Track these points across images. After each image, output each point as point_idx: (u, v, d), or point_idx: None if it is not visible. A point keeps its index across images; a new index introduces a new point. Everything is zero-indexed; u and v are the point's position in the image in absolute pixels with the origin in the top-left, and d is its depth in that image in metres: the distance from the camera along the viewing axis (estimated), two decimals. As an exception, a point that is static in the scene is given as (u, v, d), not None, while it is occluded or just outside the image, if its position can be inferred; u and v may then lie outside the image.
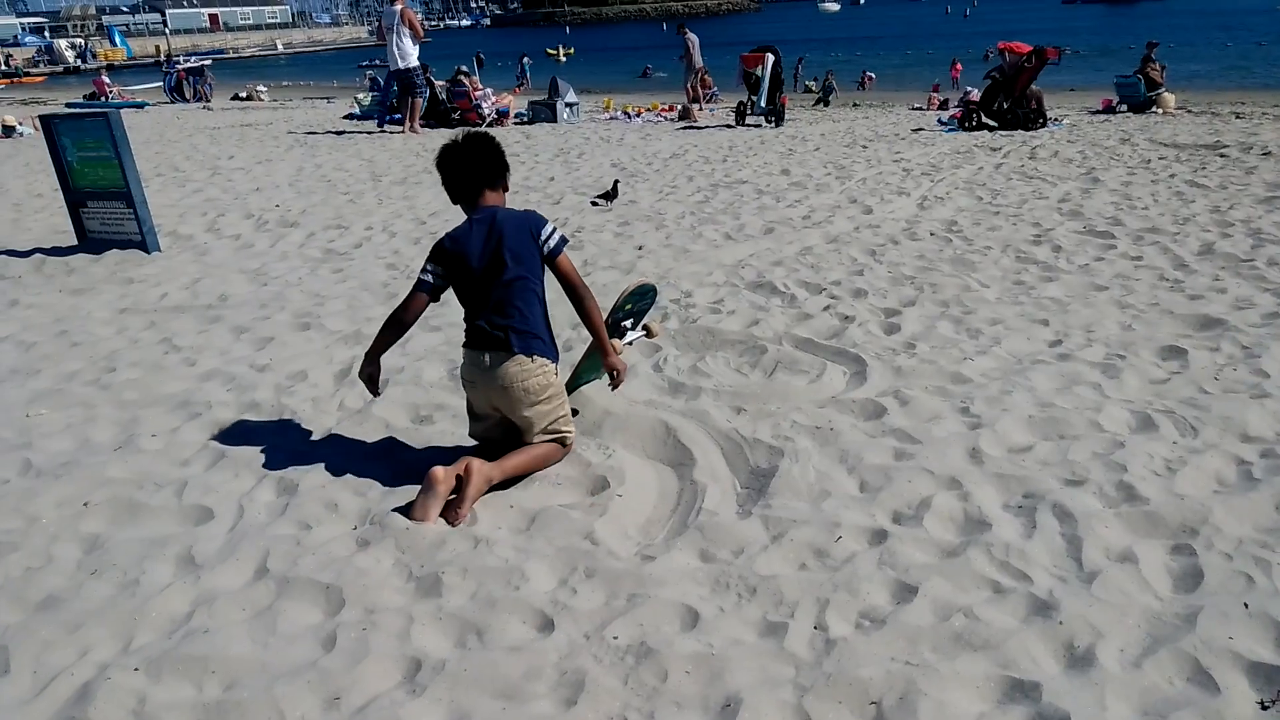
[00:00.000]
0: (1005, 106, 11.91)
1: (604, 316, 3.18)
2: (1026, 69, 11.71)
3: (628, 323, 3.31)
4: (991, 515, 2.69)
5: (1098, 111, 14.54)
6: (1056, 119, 12.66)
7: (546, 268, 3.05)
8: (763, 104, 13.61)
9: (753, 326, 4.40)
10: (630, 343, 3.34)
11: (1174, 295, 4.69)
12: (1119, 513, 2.67)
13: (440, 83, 14.68)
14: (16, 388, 3.94)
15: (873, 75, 26.73)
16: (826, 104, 20.30)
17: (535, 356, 2.96)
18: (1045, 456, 3.03)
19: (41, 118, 6.56)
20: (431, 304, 3.10)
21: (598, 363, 3.36)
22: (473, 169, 3.05)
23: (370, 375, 3.15)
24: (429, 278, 3.01)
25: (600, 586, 2.44)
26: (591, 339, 3.18)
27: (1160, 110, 13.90)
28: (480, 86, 14.65)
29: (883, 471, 2.96)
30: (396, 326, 3.10)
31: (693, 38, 17.48)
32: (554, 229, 3.05)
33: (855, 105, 19.61)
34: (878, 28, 71.00)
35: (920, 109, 17.81)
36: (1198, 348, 3.94)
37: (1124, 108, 14.42)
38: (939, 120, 13.42)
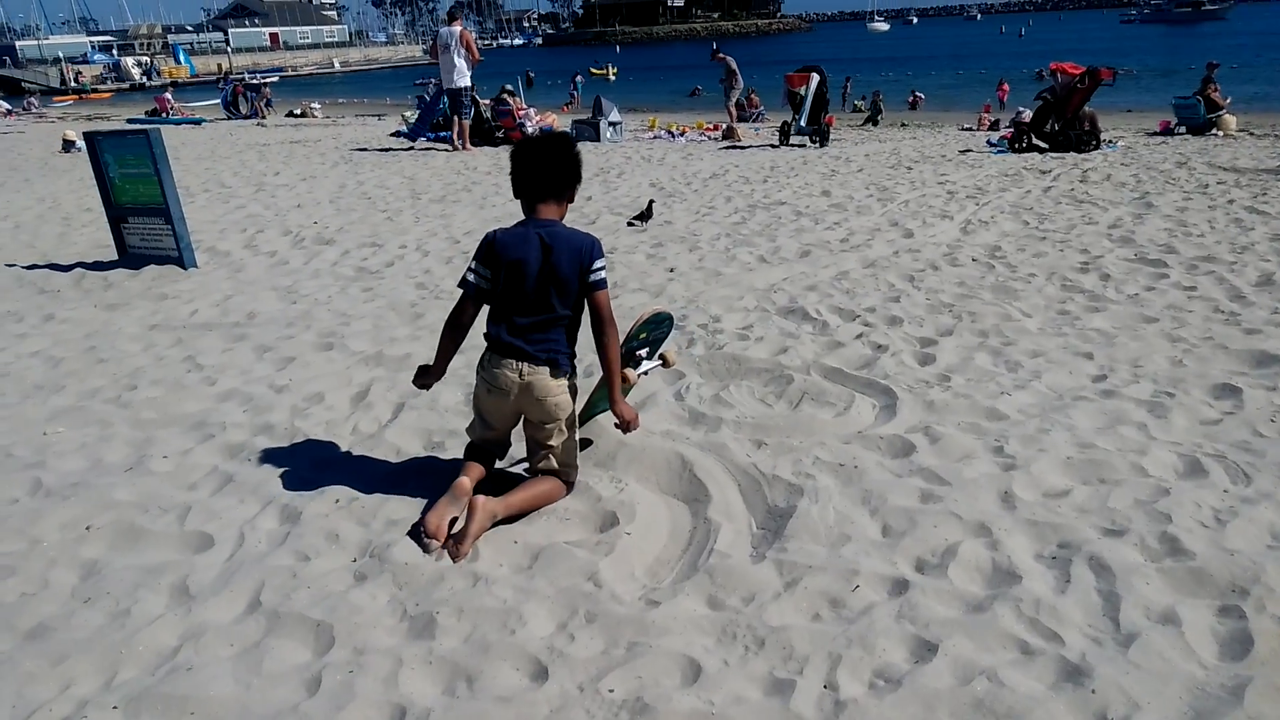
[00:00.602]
0: (1057, 128, 11.60)
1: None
2: (1079, 90, 11.40)
3: (643, 351, 3.20)
4: (1022, 566, 2.52)
5: (1155, 133, 14.13)
6: (1111, 141, 12.31)
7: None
8: (803, 123, 13.46)
9: (781, 354, 4.26)
10: (645, 372, 3.23)
11: (1229, 329, 4.44)
12: (1162, 568, 2.48)
13: (485, 101, 14.78)
14: (39, 405, 3.94)
15: (921, 95, 26.37)
16: (875, 124, 20.07)
17: (565, 378, 2.91)
18: (1083, 503, 2.85)
19: (86, 134, 6.66)
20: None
21: (613, 391, 3.25)
22: (552, 172, 2.90)
23: (427, 385, 3.06)
24: (475, 279, 2.86)
25: (600, 633, 2.32)
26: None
27: (1221, 133, 13.45)
28: (524, 106, 14.69)
29: (907, 515, 2.80)
30: (455, 333, 2.96)
31: (730, 59, 17.50)
32: (602, 263, 2.91)
33: (903, 125, 19.34)
34: (929, 47, 70.42)
35: (970, 129, 17.51)
36: (1253, 386, 3.71)
37: (1183, 130, 14.00)
38: (988, 141, 13.14)
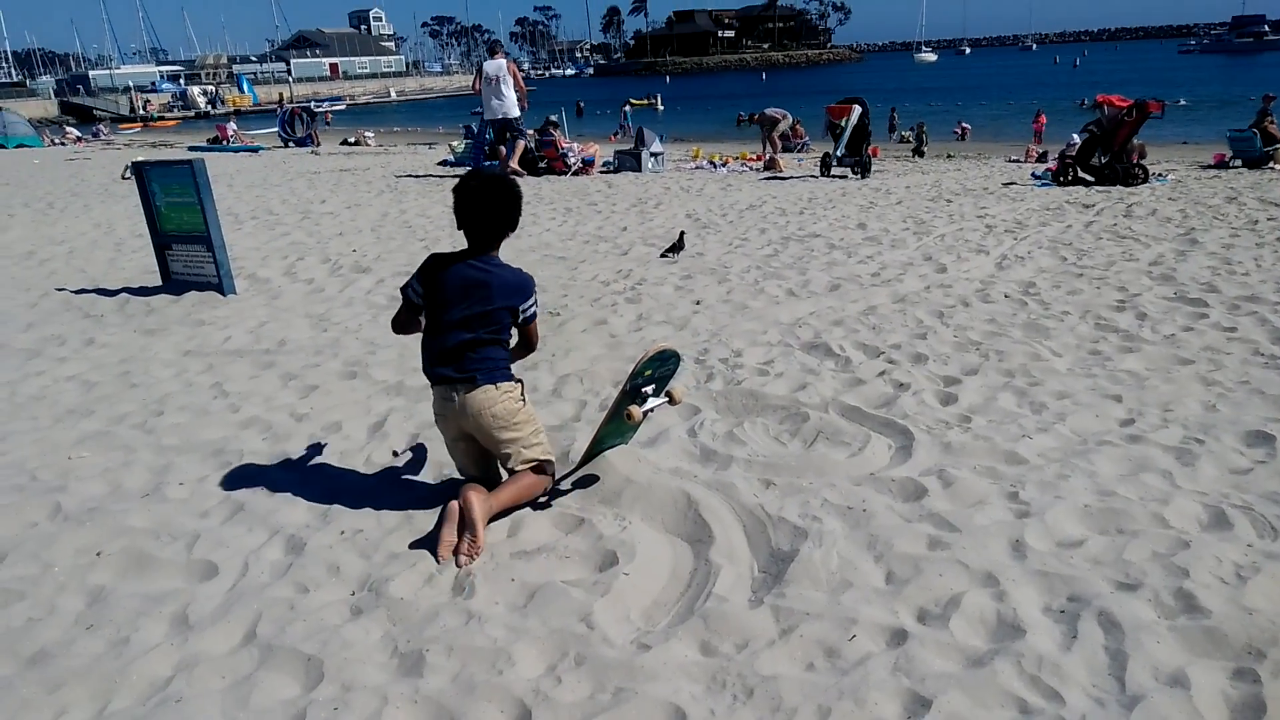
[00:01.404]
0: (1103, 161, 11.40)
1: (624, 382, 3.08)
2: (1127, 123, 11.20)
3: (649, 388, 3.18)
4: (1027, 620, 2.44)
5: (1209, 166, 13.81)
6: (1160, 174, 12.06)
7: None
8: (839, 152, 13.42)
9: (799, 391, 4.21)
10: (652, 410, 3.21)
11: (1268, 373, 4.29)
12: (1174, 626, 2.38)
13: (530, 132, 14.99)
14: (68, 429, 4.05)
15: (967, 125, 26.16)
16: (921, 155, 19.95)
17: (499, 384, 3.04)
18: (1098, 554, 2.75)
19: (135, 164, 6.88)
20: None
21: (620, 427, 3.24)
22: (490, 216, 3.03)
23: None
24: (414, 296, 3.08)
25: (587, 676, 2.29)
26: (613, 407, 3.15)
27: (1277, 166, 13.10)
28: (567, 139, 14.86)
29: (912, 562, 2.73)
30: (405, 329, 3.21)
31: (769, 110, 17.75)
32: (534, 300, 3.14)
33: (949, 157, 19.17)
34: (980, 77, 69.90)
35: (1017, 161, 17.30)
36: (1289, 434, 3.57)
37: (1238, 163, 13.66)
38: (1033, 174, 12.95)
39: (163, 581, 2.80)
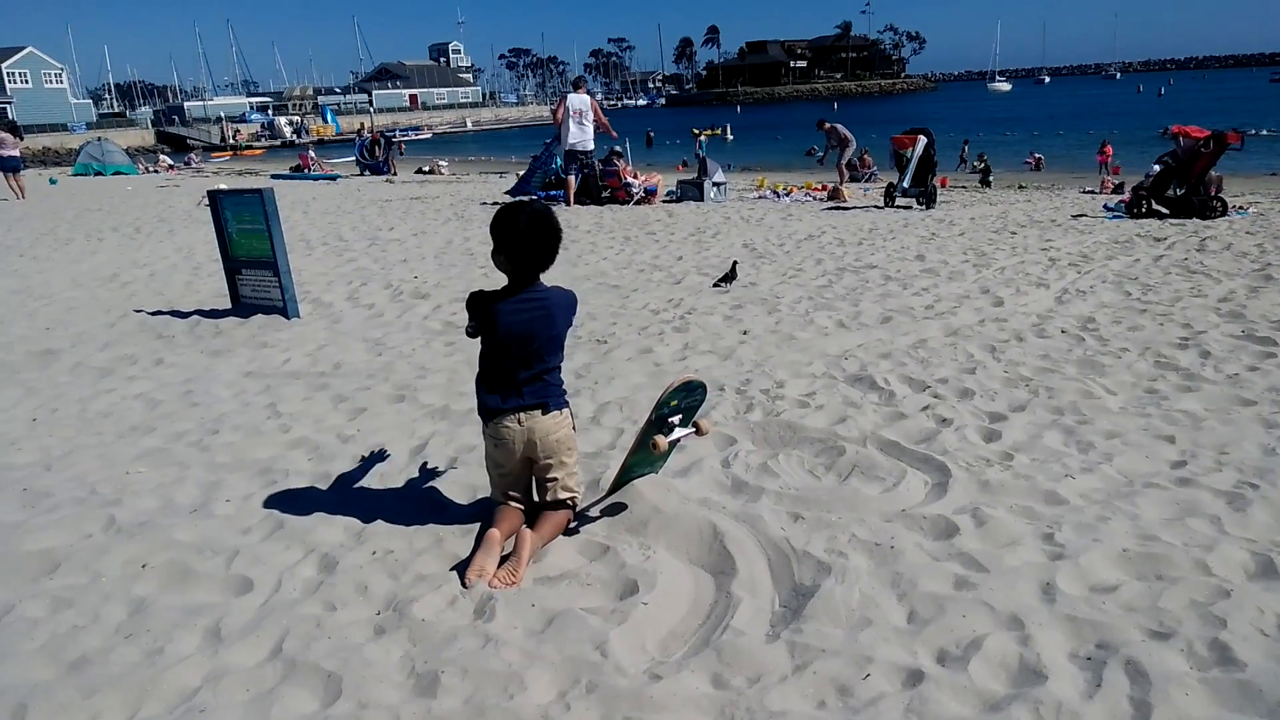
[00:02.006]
0: (1179, 193, 11.05)
1: (650, 412, 3.11)
2: (1203, 154, 10.85)
3: (675, 419, 3.20)
4: (1051, 665, 2.37)
5: (1294, 199, 13.27)
6: (1241, 207, 11.64)
7: None
8: (905, 184, 13.29)
9: (839, 424, 4.18)
10: (678, 440, 3.22)
11: (1336, 416, 4.10)
12: (1206, 678, 2.29)
13: (597, 162, 15.23)
14: (130, 445, 4.24)
15: (1040, 156, 25.63)
16: (987, 185, 19.64)
17: (564, 410, 3.18)
18: (1131, 600, 2.66)
19: (209, 192, 7.20)
20: None
21: (648, 457, 3.26)
22: (549, 248, 3.04)
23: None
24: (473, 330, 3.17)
25: (597, 705, 2.30)
26: (639, 436, 3.17)
27: (1369, 199, 12.53)
28: (631, 169, 15.04)
29: (936, 601, 2.68)
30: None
31: (839, 126, 17.67)
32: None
33: (1020, 187, 18.80)
34: (1057, 107, 68.47)
35: (1092, 192, 16.89)
36: (1352, 481, 3.40)
37: (1326, 195, 13.11)
38: (1105, 206, 12.62)
39: (201, 595, 2.91)
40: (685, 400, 3.19)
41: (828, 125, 18.07)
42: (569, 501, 3.22)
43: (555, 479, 3.17)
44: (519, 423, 3.08)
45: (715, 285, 7.46)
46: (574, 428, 3.24)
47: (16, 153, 19.89)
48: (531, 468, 3.20)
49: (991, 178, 20.41)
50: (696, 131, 46.44)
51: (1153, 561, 2.87)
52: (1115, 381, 4.70)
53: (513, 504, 3.20)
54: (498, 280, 3.15)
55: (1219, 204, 10.96)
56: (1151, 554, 2.91)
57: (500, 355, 3.07)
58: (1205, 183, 11.08)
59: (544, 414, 3.09)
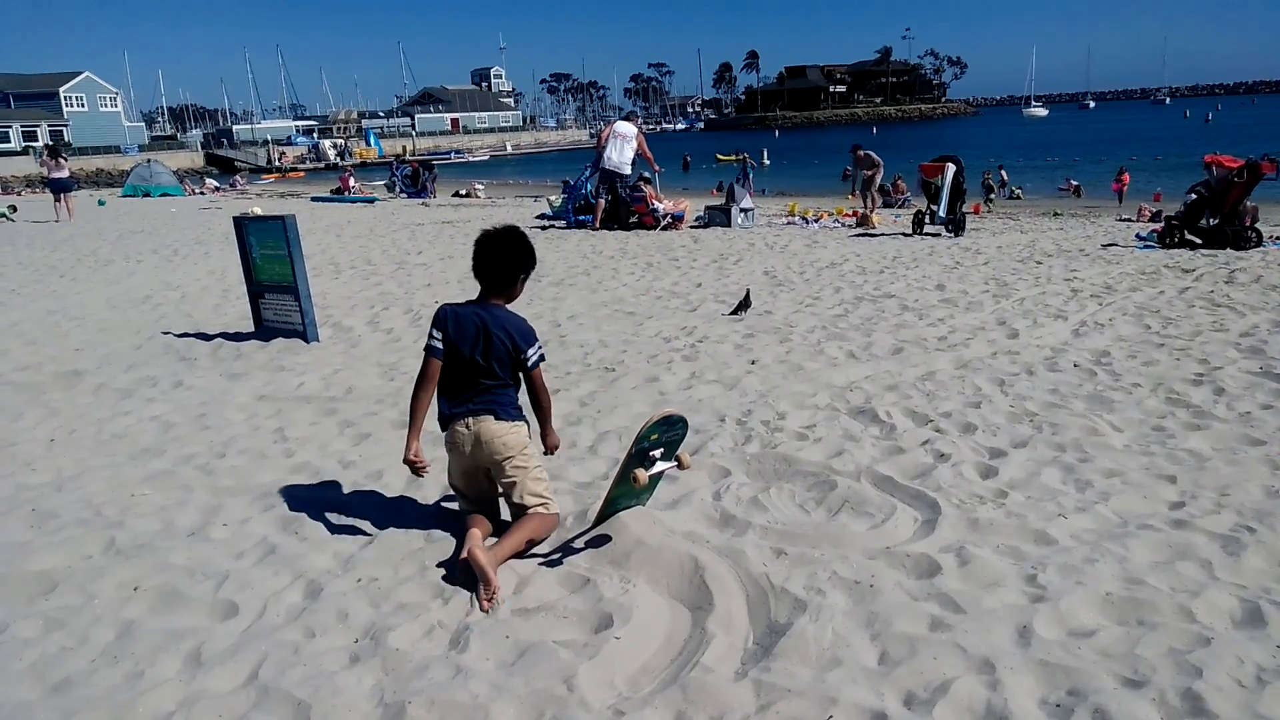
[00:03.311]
0: (1213, 223, 10.87)
1: (631, 445, 3.15)
2: (1237, 184, 10.67)
3: (657, 453, 3.22)
4: (1018, 712, 2.34)
5: (1336, 229, 12.97)
6: (1277, 238, 11.40)
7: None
8: (942, 214, 13.21)
9: (835, 457, 4.16)
10: (660, 474, 3.24)
11: (1347, 457, 4.00)
12: (1174, 730, 2.25)
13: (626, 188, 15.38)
14: (139, 466, 4.35)
15: (1076, 182, 25.34)
16: (989, 204, 19.70)
17: (513, 420, 3.32)
18: (1108, 646, 2.62)
19: (235, 219, 7.38)
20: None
21: (629, 489, 3.28)
22: (499, 266, 3.33)
23: (414, 457, 3.37)
24: (437, 344, 3.31)
25: (556, 739, 2.32)
26: (620, 469, 3.22)
27: None
28: (658, 194, 15.15)
29: (909, 643, 2.66)
30: (424, 391, 3.37)
31: (871, 153, 17.68)
32: (538, 349, 3.38)
33: (1055, 214, 18.60)
34: (1097, 132, 67.65)
35: (1128, 220, 16.67)
36: (1355, 526, 3.32)
37: (1368, 225, 12.79)
38: (1137, 235, 12.44)
39: (187, 618, 2.97)
40: (666, 434, 3.21)
41: (862, 152, 18.05)
42: (540, 509, 3.32)
43: (513, 480, 3.31)
44: (467, 427, 3.28)
45: (731, 314, 7.47)
46: (529, 437, 3.39)
47: (66, 174, 20.55)
48: (485, 475, 3.37)
49: (992, 198, 20.40)
50: (722, 158, 46.66)
51: (1135, 606, 2.83)
52: (1122, 418, 4.63)
53: (474, 514, 3.38)
54: (517, 305, 3.46)
55: (1254, 235, 10.76)
56: (1135, 598, 2.86)
57: (452, 363, 3.28)
58: (1240, 213, 10.89)
59: (494, 420, 3.27)
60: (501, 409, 3.30)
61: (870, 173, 17.63)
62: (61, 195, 20.14)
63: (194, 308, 8.69)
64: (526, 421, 3.41)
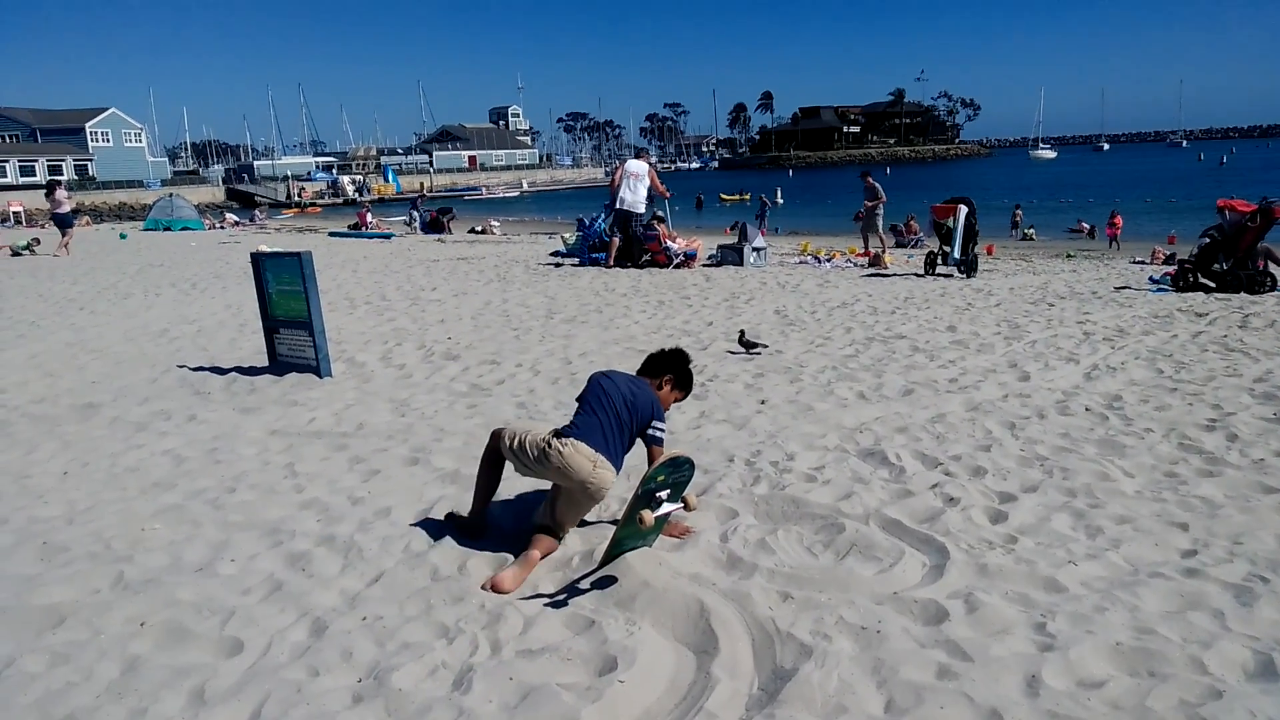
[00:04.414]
0: (1226, 267, 10.85)
1: (637, 486, 3.15)
2: (1250, 228, 10.66)
3: (663, 494, 3.22)
4: (1025, 764, 2.31)
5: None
6: (1292, 282, 11.34)
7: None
8: (956, 255, 13.22)
9: (844, 500, 4.15)
10: (666, 515, 3.24)
11: (1362, 506, 3.96)
12: (1185, 785, 2.21)
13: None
14: (150, 501, 4.37)
15: (1087, 224, 25.39)
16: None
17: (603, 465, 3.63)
18: (1118, 698, 2.59)
19: (252, 254, 7.48)
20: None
21: (635, 530, 3.28)
22: (660, 368, 4.11)
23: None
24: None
25: (557, 784, 2.30)
26: (626, 510, 3.21)
27: None
28: (671, 232, 15.26)
29: (915, 691, 2.63)
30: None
31: (877, 184, 17.87)
32: (664, 426, 3.88)
33: (1069, 256, 18.60)
34: (1107, 175, 67.77)
35: (1142, 262, 16.63)
36: (1371, 577, 3.27)
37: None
38: (1150, 278, 12.41)
39: (193, 655, 2.98)
40: (672, 476, 3.22)
41: (870, 180, 18.19)
42: (556, 534, 3.66)
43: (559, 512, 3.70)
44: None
45: (750, 351, 7.49)
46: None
47: (69, 209, 20.55)
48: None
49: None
50: (726, 197, 47.22)
51: (1146, 657, 2.79)
52: (1134, 464, 4.60)
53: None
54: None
55: (1269, 279, 10.71)
56: (1146, 648, 2.83)
57: (585, 406, 3.85)
58: (1253, 256, 10.86)
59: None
60: (604, 449, 3.73)
61: (871, 204, 17.73)
62: (63, 231, 20.12)
63: (210, 342, 8.78)
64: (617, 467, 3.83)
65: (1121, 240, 22.74)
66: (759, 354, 7.40)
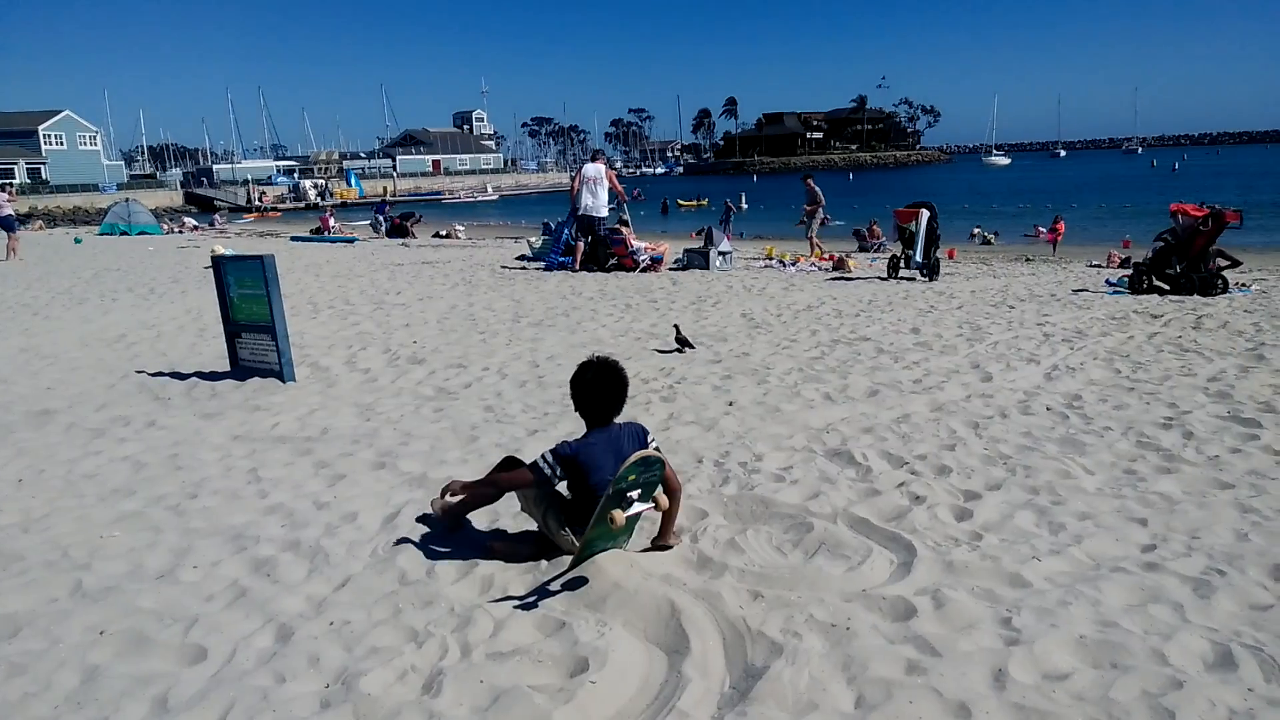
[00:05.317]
0: (1179, 270, 11.09)
1: (609, 486, 3.14)
2: (1202, 232, 10.92)
3: (634, 493, 3.22)
4: (993, 756, 2.34)
5: (1301, 276, 13.25)
6: (1244, 285, 11.64)
7: None
8: (918, 259, 13.39)
9: (812, 499, 4.18)
10: (638, 515, 3.24)
11: (1313, 501, 4.06)
12: (1148, 774, 2.25)
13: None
14: (109, 508, 4.28)
15: (1043, 229, 25.84)
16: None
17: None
18: (1082, 690, 2.63)
19: (213, 257, 7.36)
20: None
21: (606, 530, 3.27)
22: (615, 401, 3.60)
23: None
24: (549, 471, 3.45)
25: (530, 786, 2.28)
26: (597, 510, 3.19)
27: (1374, 277, 12.50)
28: (635, 238, 15.29)
29: (885, 686, 2.66)
30: (490, 492, 3.77)
31: (817, 189, 18.33)
32: (653, 438, 3.63)
33: (1028, 260, 18.89)
34: (1061, 180, 68.99)
35: (1098, 266, 16.93)
36: (1322, 569, 3.36)
37: (1331, 273, 13.08)
38: (1107, 281, 12.66)
39: (155, 663, 2.92)
40: (643, 475, 3.21)
41: (811, 183, 18.67)
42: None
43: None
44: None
45: (677, 351, 7.65)
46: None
47: (11, 211, 20.17)
48: None
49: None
50: (684, 203, 47.75)
51: (1109, 649, 2.84)
52: (1095, 461, 4.68)
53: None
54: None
55: (1220, 281, 10.97)
56: (1109, 641, 2.88)
57: (586, 494, 3.49)
58: (1205, 259, 11.12)
59: None
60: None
61: (811, 208, 18.08)
62: (6, 234, 19.69)
63: (169, 347, 8.62)
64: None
65: (1064, 245, 23.06)
66: (685, 352, 7.65)
